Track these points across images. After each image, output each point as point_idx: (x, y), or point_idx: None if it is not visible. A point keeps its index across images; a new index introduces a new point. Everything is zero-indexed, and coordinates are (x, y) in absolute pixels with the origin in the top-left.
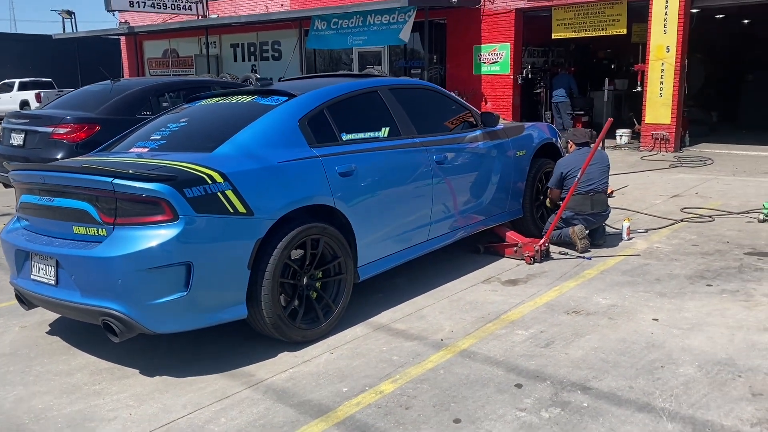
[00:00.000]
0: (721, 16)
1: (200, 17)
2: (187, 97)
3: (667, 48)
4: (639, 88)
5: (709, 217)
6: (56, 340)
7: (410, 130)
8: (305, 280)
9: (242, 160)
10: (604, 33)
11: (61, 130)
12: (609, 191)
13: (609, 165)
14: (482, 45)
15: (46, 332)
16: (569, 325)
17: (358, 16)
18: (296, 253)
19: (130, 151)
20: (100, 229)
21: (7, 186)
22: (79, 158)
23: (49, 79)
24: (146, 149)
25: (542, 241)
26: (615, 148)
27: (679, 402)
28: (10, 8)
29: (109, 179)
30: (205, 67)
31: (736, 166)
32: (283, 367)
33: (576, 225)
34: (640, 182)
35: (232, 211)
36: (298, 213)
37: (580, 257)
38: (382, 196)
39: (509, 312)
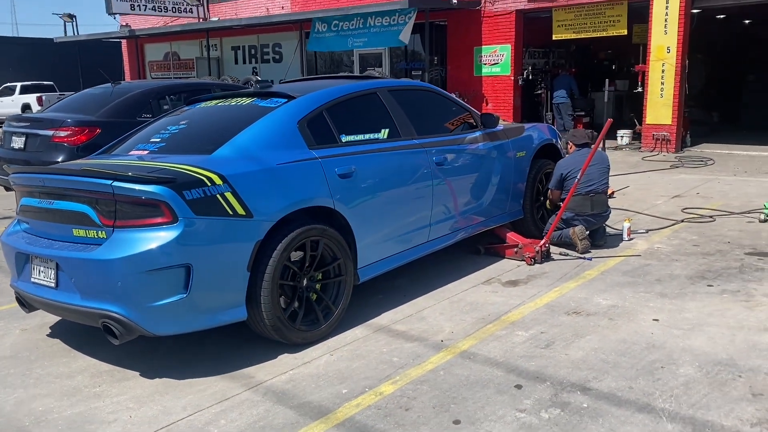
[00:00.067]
0: (721, 16)
1: (201, 20)
2: (188, 99)
3: (668, 48)
4: (640, 89)
5: (710, 217)
6: (56, 342)
7: (410, 132)
8: (305, 282)
9: (241, 162)
10: (604, 34)
11: (62, 133)
12: (610, 192)
13: (609, 166)
14: (483, 46)
15: (47, 335)
16: (569, 325)
17: (358, 18)
18: (296, 255)
19: (130, 153)
20: (99, 232)
21: (8, 189)
22: (79, 161)
23: (51, 83)
24: (146, 152)
25: (543, 242)
26: (616, 148)
27: (679, 402)
28: (11, 12)
29: (109, 182)
30: (206, 70)
31: (738, 167)
32: (282, 369)
33: (576, 226)
34: (641, 183)
35: (231, 213)
36: (298, 215)
37: (581, 258)
38: (382, 197)
39: (509, 313)
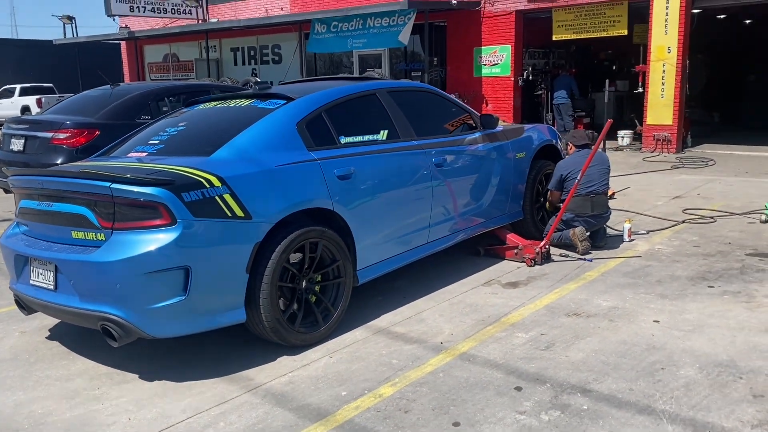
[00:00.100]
0: (722, 16)
1: (200, 21)
2: (187, 101)
3: (669, 49)
4: (640, 89)
5: (711, 218)
6: (56, 345)
7: (409, 133)
8: (304, 284)
9: (240, 164)
10: (604, 34)
11: (61, 135)
12: (610, 193)
13: (609, 166)
14: (482, 47)
15: (46, 337)
16: (570, 327)
17: (357, 19)
18: (295, 257)
19: (129, 155)
20: (98, 234)
21: (7, 191)
22: (78, 163)
23: (50, 85)
24: (145, 153)
25: (543, 243)
26: (617, 149)
27: (679, 404)
28: (11, 14)
29: (107, 184)
30: (205, 71)
31: (739, 167)
32: (282, 371)
33: (576, 227)
34: (642, 183)
35: (230, 214)
36: (297, 216)
37: (581, 259)
38: (381, 199)
39: (509, 315)
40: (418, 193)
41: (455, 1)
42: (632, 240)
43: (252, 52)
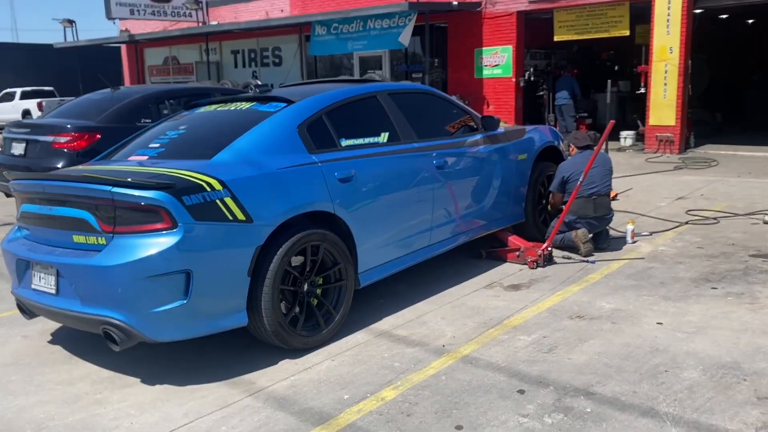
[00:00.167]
0: (724, 16)
1: (200, 24)
2: (188, 104)
3: (671, 49)
4: (642, 90)
5: (714, 219)
6: (58, 349)
7: (410, 135)
8: (306, 287)
9: (241, 167)
10: (606, 35)
11: (62, 139)
12: (613, 194)
13: (612, 168)
14: (484, 48)
15: (48, 341)
16: (572, 330)
17: (358, 21)
18: (296, 260)
19: (130, 159)
20: (99, 238)
21: (9, 195)
22: (79, 167)
23: (51, 88)
24: (145, 157)
25: (545, 245)
26: (619, 150)
27: (683, 406)
28: (11, 18)
29: (108, 188)
30: (205, 74)
31: (742, 168)
32: (284, 375)
33: (579, 229)
34: (645, 184)
35: (231, 218)
36: (298, 219)
37: (584, 261)
38: (383, 201)
39: (512, 317)
40: (419, 196)
41: (456, 2)
42: (635, 241)
43: (252, 55)
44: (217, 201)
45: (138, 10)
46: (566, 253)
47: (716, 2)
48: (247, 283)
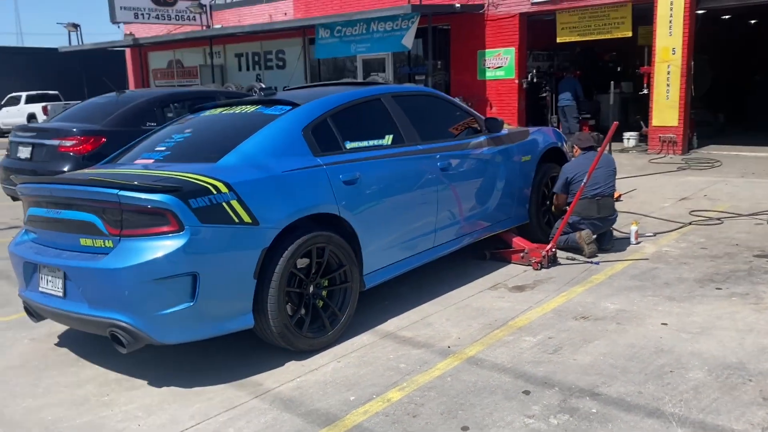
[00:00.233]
0: (727, 16)
1: (204, 27)
2: (192, 107)
3: (673, 50)
4: (645, 91)
5: (718, 219)
6: (65, 351)
7: (414, 137)
8: (311, 289)
9: (247, 170)
10: (609, 36)
11: (68, 143)
12: (616, 195)
13: (615, 169)
14: (486, 50)
15: (55, 344)
16: (577, 330)
17: (361, 24)
18: (302, 262)
19: (136, 162)
20: (106, 241)
21: (15, 199)
22: (86, 170)
23: (56, 92)
24: (151, 160)
25: (549, 246)
26: (622, 151)
27: (689, 407)
28: (16, 22)
29: (115, 191)
30: (209, 77)
31: (745, 168)
32: (290, 377)
33: (583, 230)
34: (648, 185)
35: (237, 220)
36: (303, 222)
37: (588, 262)
38: (387, 203)
39: (517, 318)
40: (423, 198)
41: (459, 5)
42: (639, 242)
43: (256, 58)
44: (224, 204)
45: (142, 14)
46: (570, 254)
47: (719, 3)
48: (253, 286)
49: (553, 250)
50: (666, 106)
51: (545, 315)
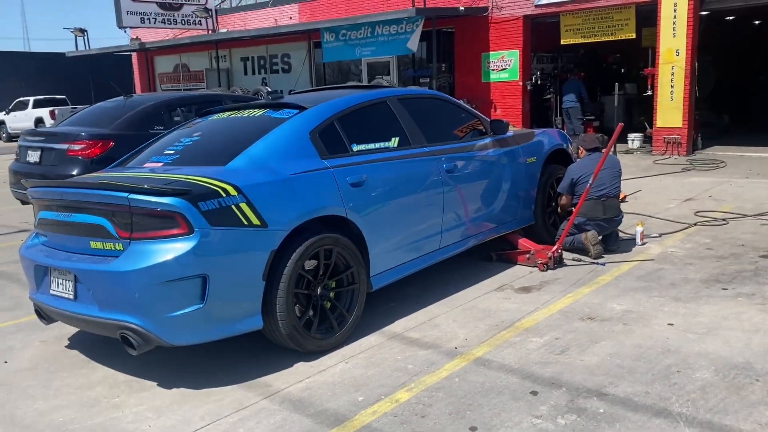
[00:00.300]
0: (731, 17)
1: (210, 32)
2: (199, 111)
3: (677, 51)
4: (649, 92)
5: (723, 220)
6: (75, 353)
7: (420, 140)
8: (319, 290)
9: (255, 173)
10: (613, 38)
11: (77, 147)
12: (621, 196)
13: (620, 170)
14: (490, 52)
15: (65, 346)
16: (584, 331)
17: (366, 27)
18: (310, 264)
19: (145, 166)
20: (116, 244)
21: (24, 203)
22: (95, 174)
23: (63, 96)
24: (160, 164)
25: (555, 247)
26: (627, 152)
27: (696, 407)
28: (23, 27)
29: (125, 194)
30: (215, 81)
31: (750, 169)
32: (299, 377)
33: (589, 231)
34: (653, 186)
35: (246, 223)
36: (311, 224)
37: (594, 263)
38: (393, 205)
39: (523, 319)
40: (429, 200)
41: (463, 8)
42: (645, 243)
43: (262, 62)
44: (233, 206)
45: (148, 19)
46: (576, 256)
47: (722, 4)
48: (262, 287)
49: (559, 251)
50: (670, 107)
51: (552, 316)
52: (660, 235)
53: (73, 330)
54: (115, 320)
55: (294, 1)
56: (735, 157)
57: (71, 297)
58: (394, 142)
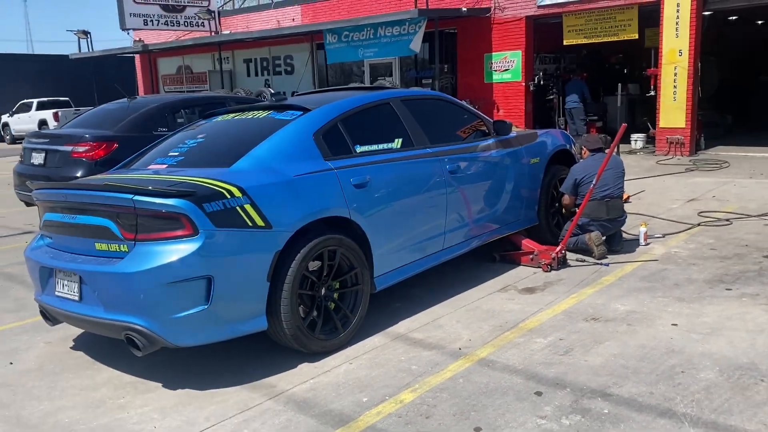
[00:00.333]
0: (733, 18)
1: (213, 33)
2: (203, 113)
3: (680, 51)
4: (652, 93)
5: (727, 220)
6: (80, 355)
7: (423, 141)
8: (323, 291)
9: (260, 175)
10: (615, 38)
11: (81, 149)
12: (625, 197)
13: (624, 170)
14: (493, 53)
15: (71, 347)
16: (588, 332)
17: (369, 29)
18: (314, 265)
19: (149, 167)
20: (121, 245)
21: (29, 204)
22: (100, 176)
23: (67, 99)
24: (165, 165)
25: (558, 248)
26: (630, 153)
27: (701, 407)
28: (26, 30)
29: (130, 196)
30: (218, 83)
31: (753, 169)
32: (303, 378)
33: (592, 231)
34: (657, 187)
35: (250, 224)
36: (315, 225)
37: (598, 264)
38: (397, 206)
39: (527, 320)
40: (432, 201)
41: (465, 9)
42: (648, 244)
43: (265, 63)
44: (237, 208)
45: (151, 21)
46: (580, 256)
47: (725, 4)
48: (267, 288)
49: (563, 251)
50: (673, 107)
51: (556, 317)
52: (663, 236)
53: (78, 331)
54: (120, 321)
55: (296, 2)
56: (738, 158)
57: (76, 298)
58: (397, 143)
